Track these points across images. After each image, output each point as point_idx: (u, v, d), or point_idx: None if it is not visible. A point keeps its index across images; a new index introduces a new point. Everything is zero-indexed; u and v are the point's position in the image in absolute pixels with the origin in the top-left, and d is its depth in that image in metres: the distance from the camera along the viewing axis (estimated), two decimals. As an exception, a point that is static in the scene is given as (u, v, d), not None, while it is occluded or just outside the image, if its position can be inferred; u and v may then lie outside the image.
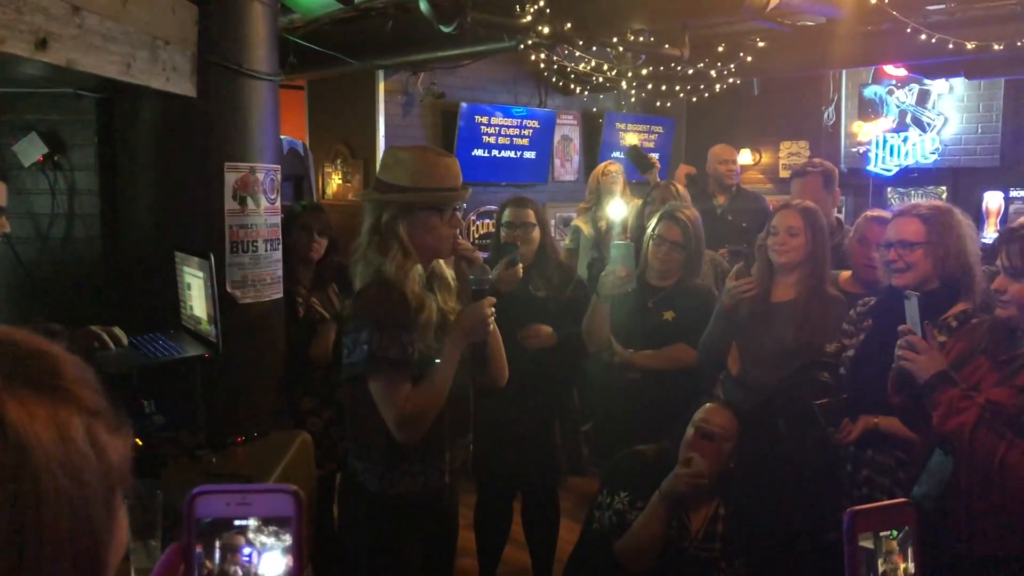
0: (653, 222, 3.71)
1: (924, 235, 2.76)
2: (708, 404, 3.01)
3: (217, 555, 0.68)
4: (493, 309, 2.40)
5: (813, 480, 3.00)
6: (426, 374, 2.32)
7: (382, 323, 2.26)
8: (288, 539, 0.69)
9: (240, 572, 0.68)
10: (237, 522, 0.69)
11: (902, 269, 2.78)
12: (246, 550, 0.69)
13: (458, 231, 2.49)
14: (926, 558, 0.89)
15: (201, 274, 2.83)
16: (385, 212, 2.33)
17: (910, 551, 0.85)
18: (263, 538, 0.69)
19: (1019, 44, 4.78)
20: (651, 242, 3.64)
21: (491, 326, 2.43)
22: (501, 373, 2.70)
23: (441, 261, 2.51)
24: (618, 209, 4.55)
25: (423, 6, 3.99)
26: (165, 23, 2.79)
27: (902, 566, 0.84)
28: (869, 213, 3.62)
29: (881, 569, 0.83)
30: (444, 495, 2.55)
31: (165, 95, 2.93)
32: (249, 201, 3.24)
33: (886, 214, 3.36)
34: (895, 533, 0.83)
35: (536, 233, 3.73)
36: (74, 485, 0.54)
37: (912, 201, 3.22)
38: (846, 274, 3.61)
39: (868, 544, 0.82)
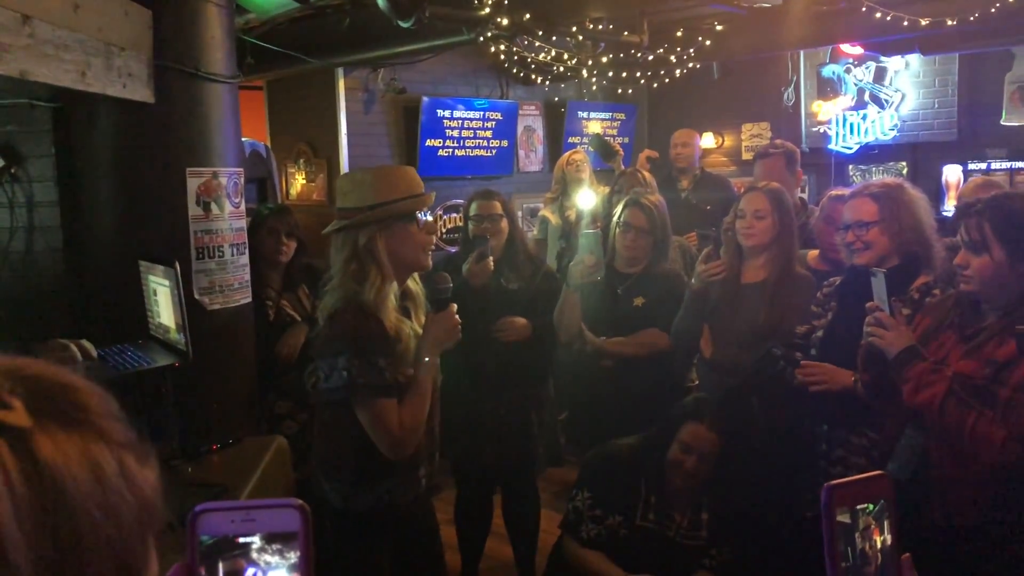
0: (618, 210, 3.72)
1: (877, 213, 2.82)
2: (691, 426, 2.95)
3: (222, 574, 0.67)
4: (457, 317, 2.40)
5: (788, 460, 3.03)
6: (408, 392, 2.31)
7: (360, 348, 2.23)
8: (293, 556, 0.67)
9: None
10: (241, 539, 0.67)
11: (861, 249, 2.83)
12: (250, 571, 0.67)
13: (433, 238, 2.50)
14: (903, 530, 0.89)
15: (167, 282, 2.79)
16: (361, 236, 2.28)
17: (886, 523, 0.85)
18: (267, 557, 0.67)
19: (971, 19, 4.85)
20: (618, 229, 3.66)
21: (459, 334, 2.42)
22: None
23: (415, 279, 2.49)
24: (587, 198, 4.56)
25: (380, 2, 3.95)
26: (118, 29, 2.74)
27: (879, 539, 0.85)
28: (832, 192, 3.66)
29: (859, 543, 0.83)
30: (415, 508, 2.53)
31: (122, 102, 2.88)
32: (213, 206, 3.21)
33: (845, 192, 3.40)
34: (871, 507, 0.84)
35: (504, 224, 3.72)
36: (112, 524, 0.53)
37: (864, 181, 3.25)
38: (814, 253, 3.65)
39: (845, 519, 0.83)
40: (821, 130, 7.61)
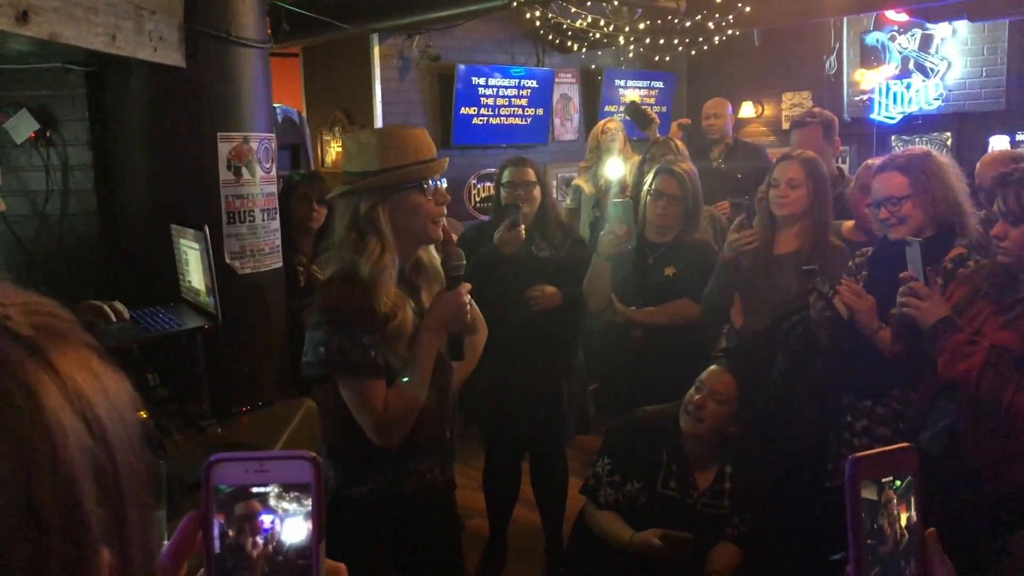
0: (649, 178, 3.68)
1: (908, 187, 2.74)
2: (712, 367, 3.01)
3: (236, 523, 0.68)
4: (469, 296, 2.22)
5: (810, 429, 3.00)
6: (403, 372, 2.13)
7: (342, 323, 2.07)
8: (307, 506, 0.68)
9: (260, 540, 0.68)
10: (255, 489, 0.68)
11: (895, 224, 2.77)
12: (267, 517, 0.68)
13: (445, 208, 2.25)
14: (935, 505, 0.86)
15: (197, 246, 2.82)
16: (362, 203, 2.12)
17: (912, 500, 0.82)
18: (285, 504, 0.68)
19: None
20: (648, 197, 3.62)
21: (468, 315, 2.23)
22: (471, 363, 2.54)
23: (429, 250, 2.30)
24: (615, 168, 4.51)
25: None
26: (150, -8, 2.76)
27: (904, 515, 0.81)
28: (870, 162, 3.58)
29: (883, 519, 0.80)
30: (422, 502, 2.31)
31: (154, 66, 2.90)
32: (244, 171, 3.22)
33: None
34: (898, 482, 0.81)
35: (537, 192, 3.70)
36: (121, 426, 0.55)
37: (890, 153, 3.17)
38: (849, 224, 3.58)
39: (870, 494, 0.80)
40: (864, 99, 7.45)
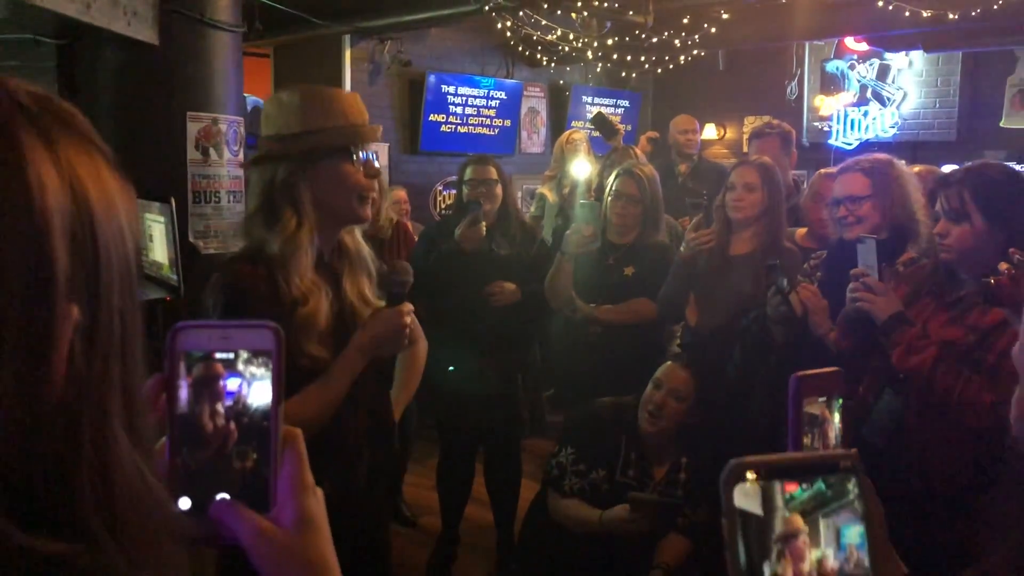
0: (610, 180, 3.76)
1: (869, 188, 2.85)
2: (668, 364, 3.09)
3: (199, 386, 0.70)
4: (411, 317, 1.94)
5: (765, 422, 3.08)
6: (312, 380, 1.83)
7: (240, 307, 1.78)
8: (269, 373, 0.70)
9: (221, 404, 0.70)
10: (219, 355, 0.70)
11: (852, 223, 2.86)
12: (229, 381, 0.70)
13: (376, 184, 1.97)
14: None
15: (162, 219, 2.84)
16: (280, 170, 1.84)
17: (837, 416, 0.88)
18: (253, 368, 0.70)
19: (973, 14, 4.89)
20: (610, 198, 3.70)
21: (406, 340, 1.95)
22: (413, 380, 2.32)
23: (355, 234, 2.01)
24: (582, 168, 4.60)
25: (388, -36, 3.98)
26: (126, -33, 2.79)
27: (832, 432, 0.87)
28: (822, 171, 3.71)
29: (817, 434, 0.85)
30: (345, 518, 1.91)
31: (126, 41, 2.93)
32: (212, 152, 3.25)
33: (835, 170, 3.45)
34: (834, 401, 0.85)
35: (499, 190, 3.76)
36: (115, 217, 0.57)
37: (854, 157, 3.29)
38: (802, 231, 3.69)
39: (813, 410, 0.85)
40: (823, 126, 7.65)
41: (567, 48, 6.32)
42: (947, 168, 6.79)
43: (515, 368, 3.89)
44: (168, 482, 0.67)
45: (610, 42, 6.06)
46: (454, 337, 3.71)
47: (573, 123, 7.73)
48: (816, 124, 7.69)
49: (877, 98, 7.37)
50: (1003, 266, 2.10)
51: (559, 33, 6.07)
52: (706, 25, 6.12)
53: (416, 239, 4.20)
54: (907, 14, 4.89)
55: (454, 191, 6.97)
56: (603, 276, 3.69)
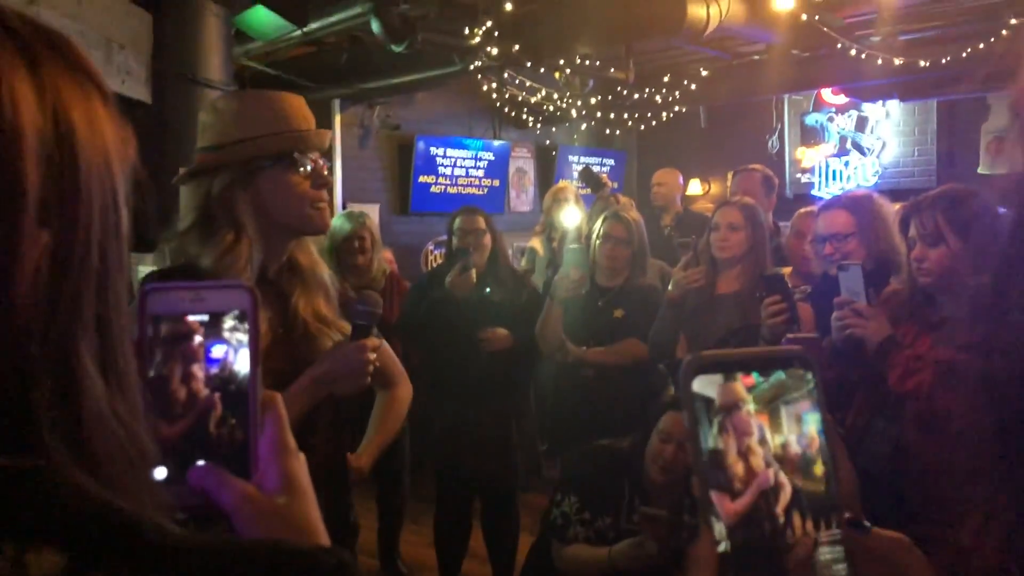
0: (598, 224, 3.84)
1: (854, 225, 2.90)
2: (668, 414, 3.04)
3: (170, 349, 0.67)
4: (375, 355, 1.73)
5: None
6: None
7: None
8: (244, 335, 0.68)
9: (196, 367, 0.67)
10: (191, 317, 0.67)
11: (839, 260, 2.90)
12: (219, 347, 0.67)
13: (325, 191, 1.74)
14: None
15: (154, 269, 2.87)
16: (216, 182, 1.64)
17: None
18: (220, 331, 0.68)
19: (944, 61, 5.04)
20: (598, 241, 3.76)
21: (367, 379, 1.73)
22: (395, 424, 2.13)
23: (311, 250, 1.80)
24: (571, 216, 4.68)
25: (375, 26, 4.12)
26: (119, 27, 2.89)
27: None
28: (803, 210, 3.79)
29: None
30: None
31: (120, 99, 3.00)
32: (204, 206, 3.30)
33: (815, 208, 3.52)
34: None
35: (487, 239, 3.83)
36: (102, 151, 0.56)
37: (834, 195, 3.37)
38: (787, 270, 3.75)
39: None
40: (805, 178, 7.79)
41: (552, 108, 6.48)
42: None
43: (510, 415, 3.90)
44: None
45: (593, 100, 6.22)
46: (449, 384, 3.74)
47: (560, 182, 7.86)
48: (799, 176, 7.84)
49: (857, 148, 7.53)
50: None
51: (544, 93, 6.23)
52: (686, 82, 6.29)
53: (403, 282, 4.29)
54: (879, 62, 5.04)
55: (444, 250, 7.09)
56: (593, 319, 3.73)
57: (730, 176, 8.11)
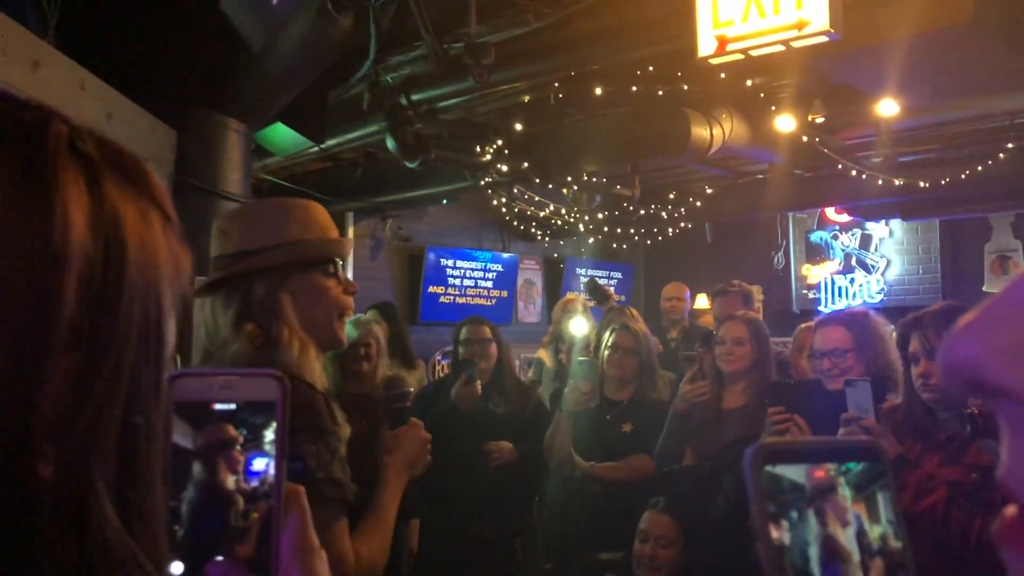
0: (607, 335, 3.86)
1: (851, 341, 2.93)
2: (647, 513, 3.08)
3: (196, 439, 0.65)
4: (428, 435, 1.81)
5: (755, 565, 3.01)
6: (366, 516, 1.65)
7: (321, 428, 1.50)
8: (271, 427, 0.66)
9: (221, 457, 0.66)
10: (218, 406, 0.66)
11: (837, 375, 2.92)
12: (260, 460, 0.66)
13: (352, 295, 1.74)
14: None
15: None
16: (257, 286, 1.59)
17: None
18: (247, 421, 0.66)
19: (943, 182, 5.17)
20: (606, 352, 3.78)
21: (430, 456, 1.82)
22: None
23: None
24: (580, 326, 4.72)
25: (389, 143, 4.27)
26: (145, 142, 3.01)
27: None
28: (803, 325, 3.84)
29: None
30: None
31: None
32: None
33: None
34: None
35: (493, 349, 3.84)
36: (149, 275, 0.55)
37: (831, 312, 3.41)
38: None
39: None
40: (811, 294, 7.86)
41: (560, 222, 6.62)
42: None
43: (512, 530, 3.83)
44: None
45: (600, 215, 6.36)
46: (452, 498, 3.69)
47: (569, 293, 7.95)
48: (804, 292, 7.91)
49: (862, 266, 7.62)
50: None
51: (552, 208, 6.38)
52: (691, 199, 6.44)
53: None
54: (880, 183, 5.17)
55: (450, 361, 7.10)
56: (601, 433, 3.71)
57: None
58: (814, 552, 0.55)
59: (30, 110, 0.53)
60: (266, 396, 0.67)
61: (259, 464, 0.66)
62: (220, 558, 0.64)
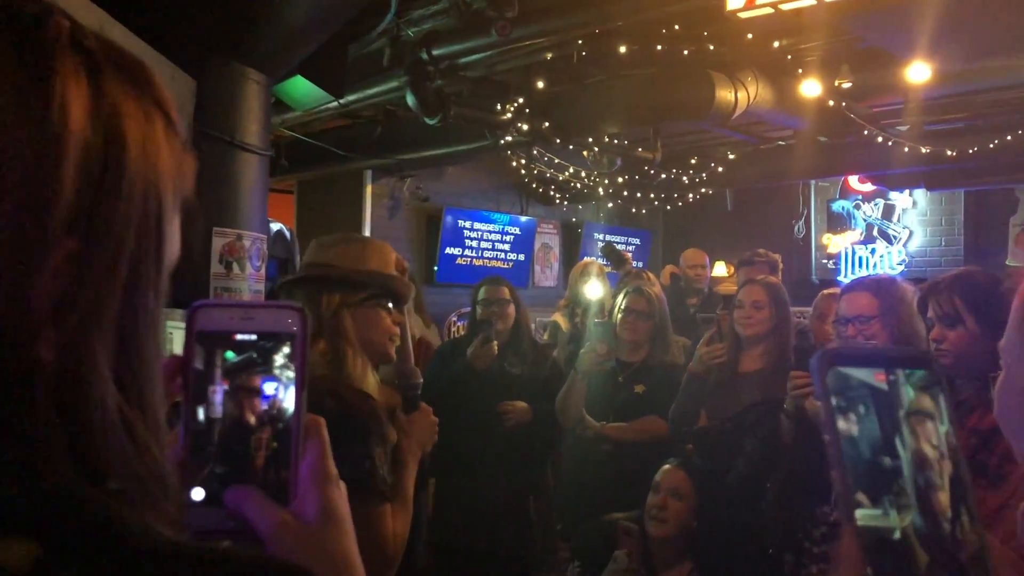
0: (620, 298, 3.85)
1: (877, 308, 2.89)
2: (664, 467, 3.09)
3: (217, 369, 0.66)
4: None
5: (776, 527, 3.03)
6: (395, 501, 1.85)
7: (382, 434, 1.82)
8: (290, 358, 0.67)
9: (242, 385, 0.66)
10: (239, 336, 0.66)
11: (862, 342, 2.90)
12: (270, 384, 0.66)
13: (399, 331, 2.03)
14: None
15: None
16: (326, 298, 1.86)
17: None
18: (269, 352, 0.66)
19: (971, 151, 5.08)
20: (620, 315, 3.77)
21: (436, 437, 2.08)
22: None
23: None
24: (596, 290, 4.70)
25: (410, 100, 4.24)
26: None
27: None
28: (825, 291, 3.79)
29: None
30: None
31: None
32: (235, 266, 3.36)
33: (838, 290, 3.52)
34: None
35: (511, 310, 3.83)
36: (150, 172, 0.55)
37: (857, 277, 3.38)
38: (812, 351, 3.74)
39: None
40: (831, 264, 7.79)
41: (579, 185, 6.57)
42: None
43: (526, 489, 3.84)
44: (180, 470, 0.62)
45: (620, 179, 6.30)
46: (467, 456, 3.69)
47: (586, 258, 7.92)
48: (824, 262, 7.84)
49: (883, 236, 7.54)
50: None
51: (571, 171, 6.33)
52: (712, 164, 6.37)
53: (431, 343, 4.30)
54: (906, 151, 5.09)
55: (467, 321, 7.11)
56: (613, 394, 3.70)
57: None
58: (883, 445, 0.58)
59: (33, 2, 0.52)
60: (287, 328, 0.67)
61: (280, 393, 0.67)
62: (239, 485, 0.65)
